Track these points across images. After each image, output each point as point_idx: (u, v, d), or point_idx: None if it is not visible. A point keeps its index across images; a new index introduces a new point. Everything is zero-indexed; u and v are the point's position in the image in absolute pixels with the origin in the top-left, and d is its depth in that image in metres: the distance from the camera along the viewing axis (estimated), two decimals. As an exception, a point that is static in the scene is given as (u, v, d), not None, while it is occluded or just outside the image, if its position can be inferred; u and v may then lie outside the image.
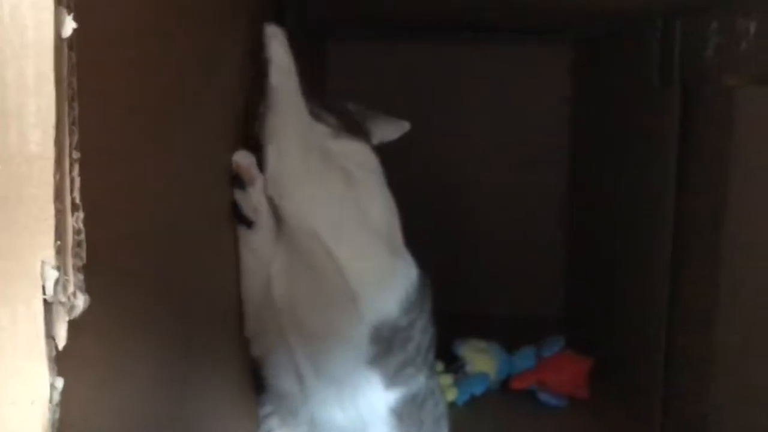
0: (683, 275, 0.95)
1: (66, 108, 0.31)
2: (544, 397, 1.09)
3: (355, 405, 0.75)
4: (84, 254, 0.33)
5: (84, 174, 0.33)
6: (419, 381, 0.79)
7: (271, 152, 0.67)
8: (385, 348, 0.73)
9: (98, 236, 0.36)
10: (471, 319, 1.20)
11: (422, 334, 0.78)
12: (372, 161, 0.76)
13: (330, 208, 0.70)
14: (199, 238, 0.62)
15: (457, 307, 1.10)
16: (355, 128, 0.75)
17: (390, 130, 0.75)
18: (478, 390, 1.10)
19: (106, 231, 0.38)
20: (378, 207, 0.75)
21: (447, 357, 1.11)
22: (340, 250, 0.69)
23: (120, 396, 0.45)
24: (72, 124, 0.32)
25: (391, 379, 0.76)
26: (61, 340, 0.33)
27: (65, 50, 0.31)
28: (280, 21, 1.00)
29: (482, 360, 1.13)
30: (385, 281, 0.73)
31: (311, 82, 1.36)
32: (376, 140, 0.76)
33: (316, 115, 0.72)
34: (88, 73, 0.34)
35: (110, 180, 0.40)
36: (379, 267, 0.73)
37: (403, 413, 0.78)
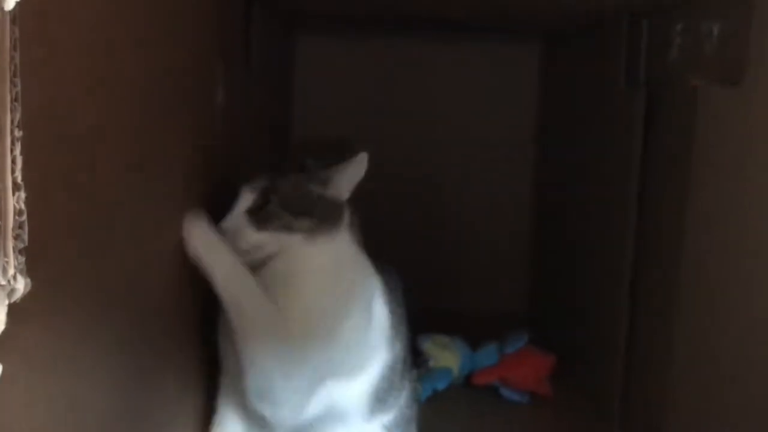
0: (645, 273, 0.96)
1: (7, 84, 0.30)
2: (506, 392, 1.09)
3: None
4: (26, 236, 0.32)
5: (27, 153, 0.32)
6: (401, 398, 0.82)
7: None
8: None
9: (42, 219, 0.35)
10: (434, 314, 1.20)
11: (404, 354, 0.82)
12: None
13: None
14: (148, 227, 0.60)
15: (421, 303, 1.10)
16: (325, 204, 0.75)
17: (353, 172, 0.74)
18: (441, 385, 1.10)
19: (51, 214, 0.37)
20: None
21: (411, 352, 1.10)
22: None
23: (67, 386, 0.44)
24: (14, 100, 0.31)
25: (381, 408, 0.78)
26: (1, 323, 0.32)
27: (7, 23, 0.30)
28: (248, 13, 0.99)
29: (445, 355, 1.13)
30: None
31: (280, 75, 1.36)
32: (346, 191, 0.75)
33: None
34: (33, 48, 0.32)
35: (57, 161, 0.39)
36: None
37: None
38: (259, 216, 0.71)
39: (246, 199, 0.72)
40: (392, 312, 0.79)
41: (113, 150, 0.49)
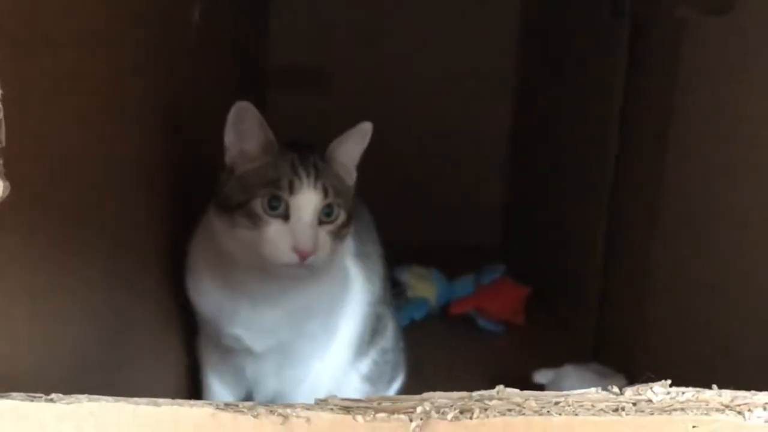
0: (623, 205, 0.97)
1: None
2: (482, 322, 1.11)
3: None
4: (3, 136, 0.30)
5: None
6: (388, 328, 0.81)
7: None
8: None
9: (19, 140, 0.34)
10: (413, 249, 1.20)
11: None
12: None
13: None
14: (125, 183, 0.59)
15: (399, 238, 1.10)
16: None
17: (357, 140, 0.69)
18: (418, 315, 1.11)
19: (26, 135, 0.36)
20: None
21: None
22: None
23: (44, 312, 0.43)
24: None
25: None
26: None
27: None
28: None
29: (423, 286, 1.14)
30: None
31: (253, 34, 1.31)
32: (352, 162, 0.69)
33: None
34: None
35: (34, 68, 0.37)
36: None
37: (373, 375, 0.79)
38: None
39: None
40: (368, 250, 0.78)
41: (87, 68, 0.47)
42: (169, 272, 0.72)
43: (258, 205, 0.61)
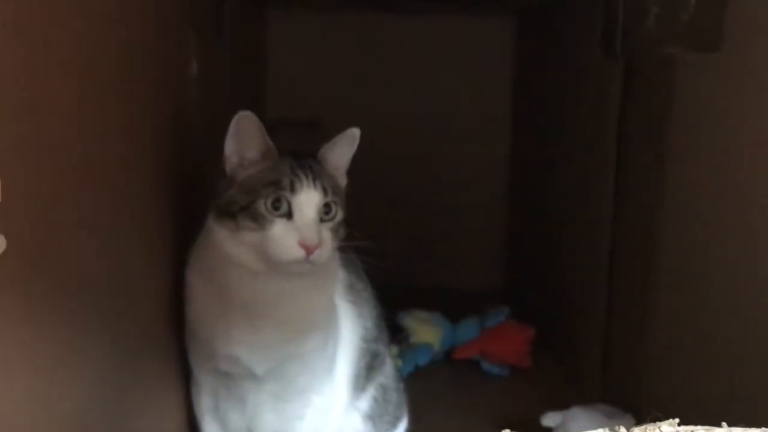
0: (623, 244, 0.96)
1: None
2: (487, 366, 1.10)
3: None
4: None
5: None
6: (386, 364, 0.81)
7: None
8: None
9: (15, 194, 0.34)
10: (415, 292, 1.19)
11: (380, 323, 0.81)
12: None
13: None
14: (123, 235, 0.59)
15: (401, 280, 1.09)
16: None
17: (346, 145, 0.72)
18: (422, 360, 1.10)
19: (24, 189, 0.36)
20: None
21: (391, 328, 1.10)
22: None
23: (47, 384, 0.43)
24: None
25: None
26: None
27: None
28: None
29: (426, 331, 1.13)
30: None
31: (253, 50, 1.34)
32: (342, 167, 0.73)
33: None
34: None
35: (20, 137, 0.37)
36: None
37: (374, 414, 0.79)
38: None
39: None
40: (358, 287, 0.78)
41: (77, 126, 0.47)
42: (172, 316, 0.71)
43: (262, 205, 0.64)
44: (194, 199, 0.73)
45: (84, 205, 0.49)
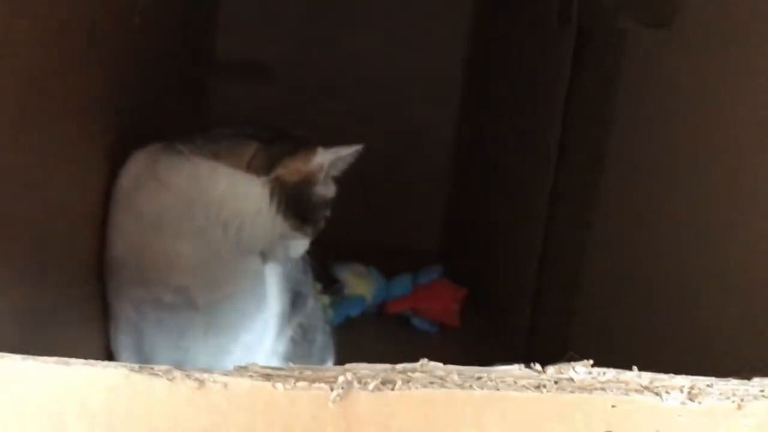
0: (560, 213, 0.98)
1: None
2: (417, 322, 1.11)
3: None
4: None
5: None
6: (307, 305, 0.81)
7: None
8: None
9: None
10: (351, 247, 1.19)
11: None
12: None
13: None
14: (48, 174, 0.57)
15: (338, 236, 1.09)
16: None
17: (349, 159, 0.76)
18: (353, 312, 1.11)
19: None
20: None
21: (326, 280, 1.10)
22: None
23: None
24: None
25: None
26: None
27: None
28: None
29: (360, 283, 1.13)
30: None
31: (201, 25, 1.29)
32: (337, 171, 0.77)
33: None
34: None
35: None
36: None
37: (294, 355, 0.79)
38: None
39: None
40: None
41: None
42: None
43: None
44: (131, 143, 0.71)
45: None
